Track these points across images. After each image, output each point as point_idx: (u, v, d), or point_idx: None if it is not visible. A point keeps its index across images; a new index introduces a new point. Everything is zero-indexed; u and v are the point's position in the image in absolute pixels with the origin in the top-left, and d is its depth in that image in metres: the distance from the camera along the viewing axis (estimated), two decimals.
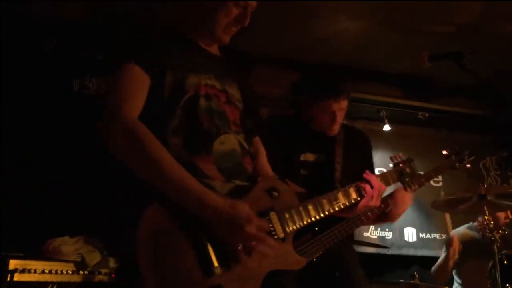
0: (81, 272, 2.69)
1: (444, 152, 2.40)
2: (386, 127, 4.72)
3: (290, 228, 1.56)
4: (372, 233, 4.64)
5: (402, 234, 4.76)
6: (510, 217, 3.91)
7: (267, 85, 4.00)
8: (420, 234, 4.81)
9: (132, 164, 1.41)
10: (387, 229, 4.70)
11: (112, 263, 2.76)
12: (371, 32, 3.68)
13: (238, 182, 1.56)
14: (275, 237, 1.51)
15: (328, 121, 2.30)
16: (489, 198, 2.88)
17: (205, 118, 1.56)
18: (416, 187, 2.08)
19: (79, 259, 2.69)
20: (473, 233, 3.75)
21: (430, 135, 5.04)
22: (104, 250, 2.77)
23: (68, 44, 3.72)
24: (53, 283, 2.58)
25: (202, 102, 1.57)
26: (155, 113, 1.50)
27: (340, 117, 2.33)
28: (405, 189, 2.05)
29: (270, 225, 1.51)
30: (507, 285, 2.88)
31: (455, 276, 3.83)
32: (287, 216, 1.56)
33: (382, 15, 3.45)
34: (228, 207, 1.38)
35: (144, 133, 1.41)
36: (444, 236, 4.65)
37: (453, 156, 2.35)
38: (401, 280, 3.18)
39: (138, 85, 1.50)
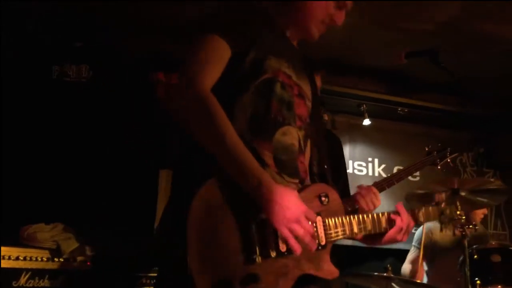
0: (56, 259, 2.68)
1: (426, 148, 2.44)
2: (366, 122, 4.78)
3: (333, 237, 1.54)
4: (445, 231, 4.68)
5: None
6: (486, 212, 4.02)
7: None
8: None
9: (197, 133, 1.41)
10: None
11: (88, 251, 2.76)
12: (353, 27, 3.69)
13: (287, 178, 1.55)
14: (317, 241, 1.49)
15: None
16: (462, 193, 2.94)
17: (275, 105, 1.55)
18: (453, 230, 2.06)
19: (54, 246, 2.68)
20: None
21: (409, 130, 5.12)
22: (80, 238, 2.77)
23: (48, 30, 3.69)
24: (27, 269, 2.58)
25: (278, 88, 1.56)
26: (230, 85, 1.50)
27: None
28: (441, 230, 2.00)
29: (315, 229, 1.50)
30: (476, 279, 2.94)
31: (426, 270, 3.91)
32: (331, 224, 1.55)
33: (364, 11, 3.47)
34: (282, 190, 1.37)
35: (214, 105, 1.40)
36: None
37: (435, 152, 2.38)
38: (375, 273, 3.22)
39: (218, 56, 1.48)
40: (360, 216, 1.63)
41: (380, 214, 1.68)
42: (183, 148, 1.52)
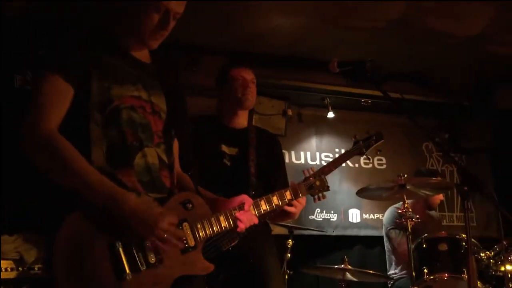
0: (20, 268, 2.80)
1: (353, 138, 2.60)
2: (330, 114, 4.89)
3: (201, 237, 1.70)
4: (318, 215, 4.85)
5: (346, 215, 4.97)
6: (442, 198, 4.21)
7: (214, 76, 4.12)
8: (364, 215, 5.04)
9: (51, 174, 1.50)
10: (332, 211, 4.90)
11: None
12: (305, 27, 3.81)
13: (155, 195, 1.65)
14: (186, 245, 1.65)
15: (241, 90, 2.52)
16: (408, 187, 3.09)
17: (129, 131, 1.63)
18: (326, 198, 2.25)
19: (17, 257, 2.80)
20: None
21: (374, 120, 5.19)
22: (41, 245, 2.88)
23: (9, 39, 3.74)
24: None
25: (125, 114, 1.62)
26: (80, 122, 1.57)
27: (252, 89, 2.55)
28: (314, 201, 2.23)
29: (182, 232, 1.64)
30: (424, 267, 3.10)
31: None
32: (199, 226, 1.70)
33: (312, 12, 3.57)
34: (144, 204, 1.52)
35: (61, 144, 1.48)
36: None
37: (361, 141, 2.55)
38: (335, 266, 3.39)
39: (59, 96, 1.54)
40: (227, 212, 1.80)
41: (232, 211, 1.84)
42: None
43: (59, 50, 1.61)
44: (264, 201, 1.96)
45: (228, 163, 2.48)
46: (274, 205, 1.98)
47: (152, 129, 1.70)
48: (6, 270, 2.76)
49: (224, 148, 2.50)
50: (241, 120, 2.60)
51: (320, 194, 2.18)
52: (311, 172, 2.20)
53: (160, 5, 1.64)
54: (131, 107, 1.65)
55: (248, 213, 1.86)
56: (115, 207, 1.49)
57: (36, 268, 2.85)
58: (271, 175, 2.55)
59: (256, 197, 1.98)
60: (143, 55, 1.79)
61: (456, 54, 4.33)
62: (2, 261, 2.77)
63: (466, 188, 1.75)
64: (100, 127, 1.59)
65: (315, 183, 2.15)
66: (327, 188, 2.19)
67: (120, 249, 1.50)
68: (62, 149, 1.49)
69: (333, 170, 2.43)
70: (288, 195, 2.04)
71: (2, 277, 2.74)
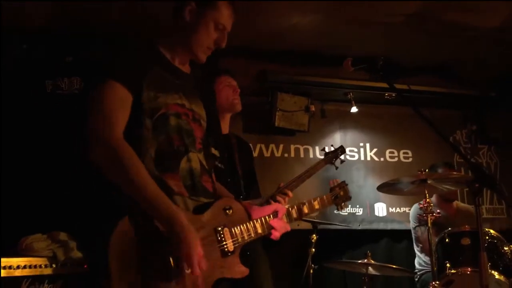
0: (53, 265, 2.95)
1: (322, 150, 2.77)
2: (354, 109, 4.89)
3: (239, 242, 1.81)
4: (343, 210, 4.87)
5: (372, 209, 4.97)
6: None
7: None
8: (390, 209, 5.03)
9: (114, 180, 1.57)
10: (357, 205, 4.90)
11: (79, 254, 3.01)
12: (324, 24, 3.82)
13: (201, 199, 1.77)
14: (226, 249, 1.75)
15: (233, 95, 2.80)
16: (429, 181, 3.09)
17: (176, 136, 1.74)
18: (348, 207, 2.40)
19: (50, 254, 2.93)
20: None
21: (399, 113, 5.16)
22: (72, 243, 3.02)
23: (38, 47, 3.90)
24: (27, 277, 2.84)
25: (173, 120, 1.73)
26: (132, 126, 1.66)
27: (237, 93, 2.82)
28: (338, 210, 2.37)
29: (223, 238, 1.75)
30: (446, 261, 3.10)
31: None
32: (237, 231, 1.80)
33: (330, 9, 3.59)
34: (187, 231, 1.55)
35: (127, 153, 1.57)
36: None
37: (330, 154, 2.71)
38: (359, 261, 3.42)
39: (123, 104, 1.64)
40: (263, 219, 1.90)
41: (267, 218, 1.93)
42: (100, 185, 1.66)
43: (119, 59, 1.71)
44: (296, 211, 2.07)
45: (220, 165, 2.60)
46: (303, 214, 2.09)
47: (195, 135, 1.82)
48: (41, 266, 2.90)
49: (213, 151, 2.63)
50: (225, 125, 2.77)
51: (343, 204, 2.27)
52: (336, 183, 2.32)
53: (220, 25, 1.79)
54: (177, 114, 1.76)
55: (282, 221, 1.96)
56: (166, 223, 1.56)
57: (68, 265, 2.99)
58: (249, 179, 2.73)
59: (245, 199, 2.08)
60: (185, 66, 1.90)
61: (481, 46, 4.26)
62: (36, 258, 2.91)
63: (477, 185, 1.76)
64: (150, 133, 1.69)
65: (340, 193, 2.28)
66: (349, 198, 2.33)
67: (167, 254, 1.57)
68: (128, 159, 1.57)
69: (305, 180, 2.58)
70: (316, 204, 2.16)
71: (37, 273, 2.88)
